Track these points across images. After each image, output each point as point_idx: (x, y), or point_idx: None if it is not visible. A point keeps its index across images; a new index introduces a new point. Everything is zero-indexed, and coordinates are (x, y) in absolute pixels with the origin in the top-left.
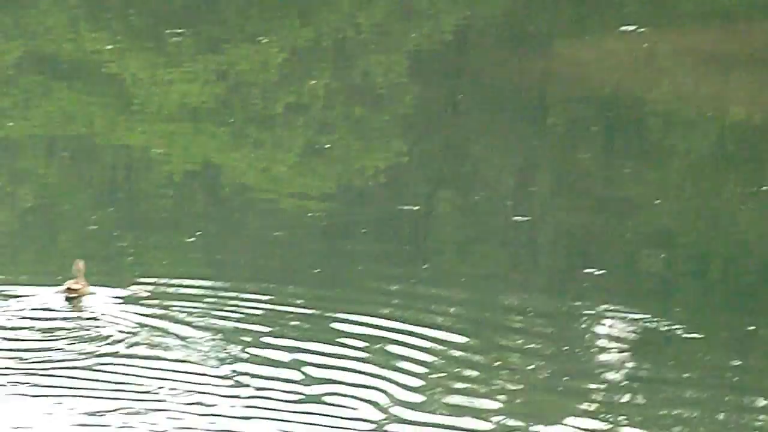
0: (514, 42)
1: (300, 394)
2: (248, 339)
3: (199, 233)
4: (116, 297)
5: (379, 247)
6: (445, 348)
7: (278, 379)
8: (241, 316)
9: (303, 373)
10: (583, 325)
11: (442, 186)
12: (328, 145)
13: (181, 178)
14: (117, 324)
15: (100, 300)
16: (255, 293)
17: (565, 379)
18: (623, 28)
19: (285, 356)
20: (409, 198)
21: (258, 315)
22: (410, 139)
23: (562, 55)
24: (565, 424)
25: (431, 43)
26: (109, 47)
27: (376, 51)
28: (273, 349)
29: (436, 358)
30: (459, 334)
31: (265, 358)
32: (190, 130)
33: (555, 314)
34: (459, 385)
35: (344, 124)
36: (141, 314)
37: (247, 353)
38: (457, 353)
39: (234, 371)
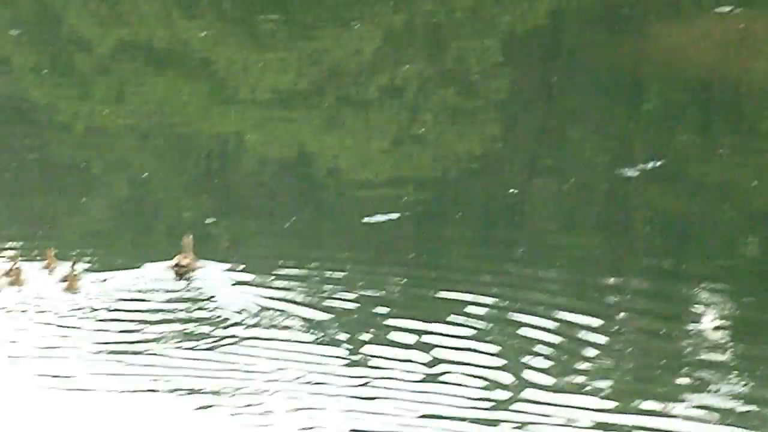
0: (608, 24)
1: (420, 373)
2: (353, 319)
3: (294, 219)
4: (225, 271)
5: (475, 231)
6: (549, 326)
7: (396, 359)
8: (340, 299)
9: (419, 352)
10: (683, 307)
11: (537, 170)
12: (422, 130)
13: (274, 164)
14: (227, 300)
15: (209, 274)
16: (350, 278)
17: (663, 361)
18: (718, 9)
19: (395, 336)
20: (504, 182)
21: (356, 298)
22: (505, 123)
23: (657, 37)
24: (675, 398)
25: (525, 26)
26: (203, 34)
27: (470, 35)
28: (382, 329)
29: (542, 335)
30: (563, 312)
31: (375, 338)
32: (284, 116)
33: (654, 296)
34: (575, 361)
35: (438, 108)
36: (249, 287)
37: (354, 333)
38: (563, 330)
39: (345, 349)
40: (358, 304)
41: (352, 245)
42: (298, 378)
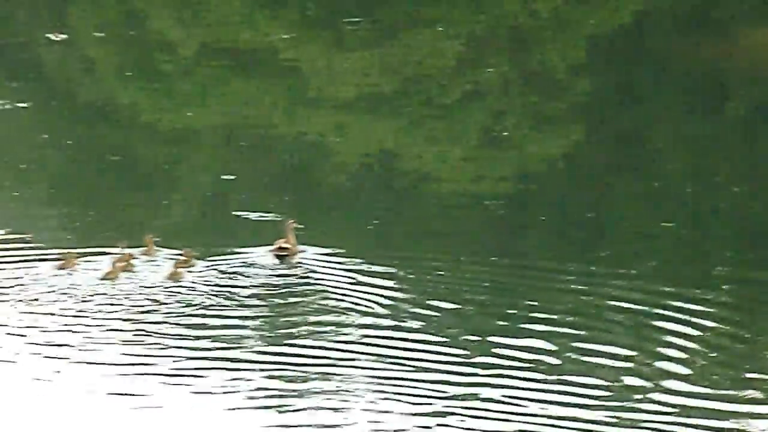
0: (694, 27)
1: (540, 365)
2: (441, 317)
3: (376, 221)
4: (325, 255)
5: (558, 234)
6: (640, 323)
7: (488, 354)
8: (427, 297)
9: (511, 350)
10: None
11: (620, 173)
12: (505, 133)
13: (357, 167)
14: (330, 286)
15: (310, 258)
16: (434, 278)
17: (747, 365)
18: None
19: (481, 334)
20: (587, 185)
21: (440, 297)
22: (588, 126)
23: (744, 40)
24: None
25: (609, 29)
26: (286, 37)
27: (554, 37)
28: (470, 328)
29: (634, 331)
30: (655, 310)
31: (464, 336)
32: (366, 119)
33: (738, 300)
34: (681, 360)
35: (521, 111)
36: (350, 272)
37: (445, 330)
38: (658, 327)
39: (441, 345)
40: (442, 303)
41: (434, 247)
42: (408, 373)
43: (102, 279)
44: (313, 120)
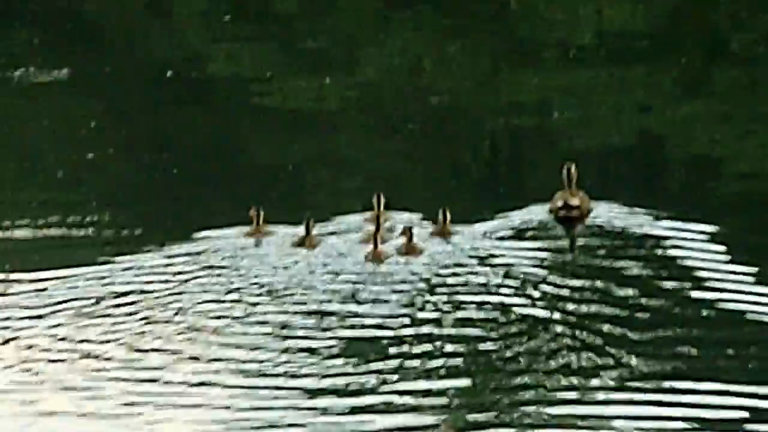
0: None
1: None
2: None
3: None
4: (617, 212)
5: None
6: None
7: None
8: (647, 301)
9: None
10: None
11: None
12: None
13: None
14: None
15: (598, 214)
16: (707, 275)
17: None
18: None
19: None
20: None
21: (670, 300)
22: None
23: None
24: None
25: None
26: None
27: None
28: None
29: None
30: None
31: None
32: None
33: None
34: None
35: None
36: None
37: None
38: None
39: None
40: (656, 303)
41: (714, 239)
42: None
43: (369, 260)
44: (526, 83)
